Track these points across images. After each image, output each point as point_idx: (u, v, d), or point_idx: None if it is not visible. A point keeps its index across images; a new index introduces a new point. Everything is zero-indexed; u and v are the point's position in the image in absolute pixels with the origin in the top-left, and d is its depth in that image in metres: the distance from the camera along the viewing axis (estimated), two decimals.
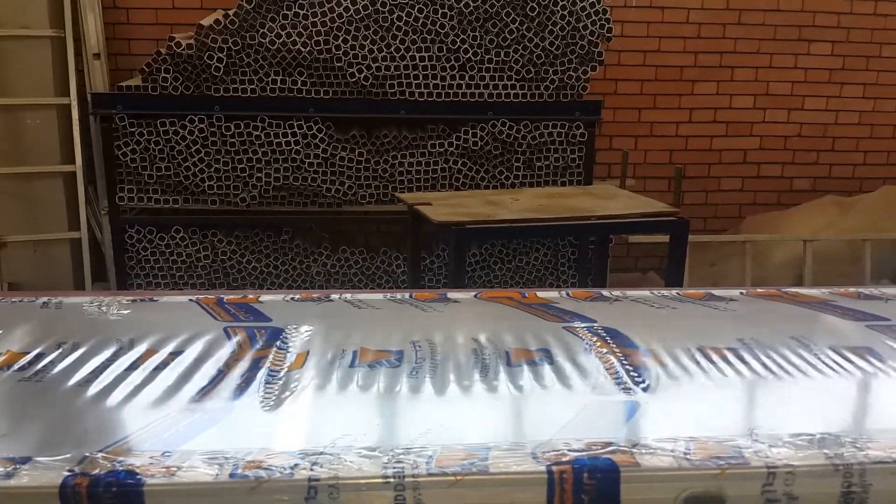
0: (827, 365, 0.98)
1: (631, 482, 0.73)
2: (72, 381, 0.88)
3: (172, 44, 3.43)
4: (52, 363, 0.93)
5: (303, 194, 4.00)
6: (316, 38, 3.53)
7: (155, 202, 3.89)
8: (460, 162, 4.13)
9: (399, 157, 4.07)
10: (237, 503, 0.69)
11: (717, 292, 1.24)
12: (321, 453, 0.74)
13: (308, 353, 0.98)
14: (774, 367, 0.98)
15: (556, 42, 3.71)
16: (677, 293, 1.23)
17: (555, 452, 0.75)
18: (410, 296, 1.19)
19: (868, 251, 4.28)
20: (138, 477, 0.68)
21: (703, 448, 0.77)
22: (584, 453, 0.75)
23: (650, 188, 4.78)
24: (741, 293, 1.25)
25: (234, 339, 1.01)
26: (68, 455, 0.71)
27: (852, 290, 1.26)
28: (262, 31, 3.51)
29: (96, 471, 0.69)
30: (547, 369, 0.96)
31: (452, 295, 1.19)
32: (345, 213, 4.13)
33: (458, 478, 0.71)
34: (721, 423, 0.84)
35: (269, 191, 3.96)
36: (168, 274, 4.02)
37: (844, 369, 0.98)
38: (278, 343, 1.00)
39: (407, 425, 0.83)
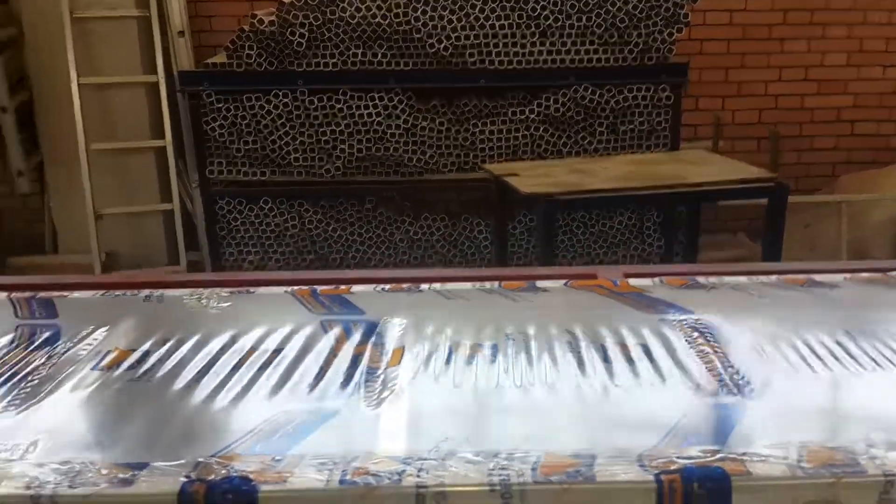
0: None
1: (742, 492, 0.71)
2: (179, 381, 0.91)
3: (255, 21, 3.47)
4: (160, 362, 0.96)
5: (385, 164, 4.02)
6: (395, 11, 3.52)
7: (243, 175, 3.97)
8: (542, 129, 4.08)
9: (479, 125, 4.05)
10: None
11: (818, 278, 1.19)
12: (425, 459, 0.74)
13: (403, 348, 0.98)
14: (886, 364, 0.94)
15: (640, 5, 3.61)
16: (777, 279, 1.19)
17: (662, 460, 0.73)
18: (499, 285, 1.18)
19: None
20: (252, 483, 0.70)
21: (816, 455, 0.74)
22: (692, 461, 0.73)
23: (739, 149, 4.63)
24: (844, 278, 1.20)
25: (331, 334, 1.02)
26: (183, 461, 0.73)
27: None
28: (342, 5, 3.52)
29: (211, 477, 0.71)
30: (645, 366, 0.94)
31: (541, 284, 1.18)
32: (426, 181, 4.14)
33: (565, 486, 0.71)
34: (832, 427, 0.81)
35: (352, 161, 4.00)
36: (258, 243, 4.11)
37: None
38: (374, 339, 1.00)
39: (507, 427, 0.83)
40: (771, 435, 0.80)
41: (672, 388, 0.90)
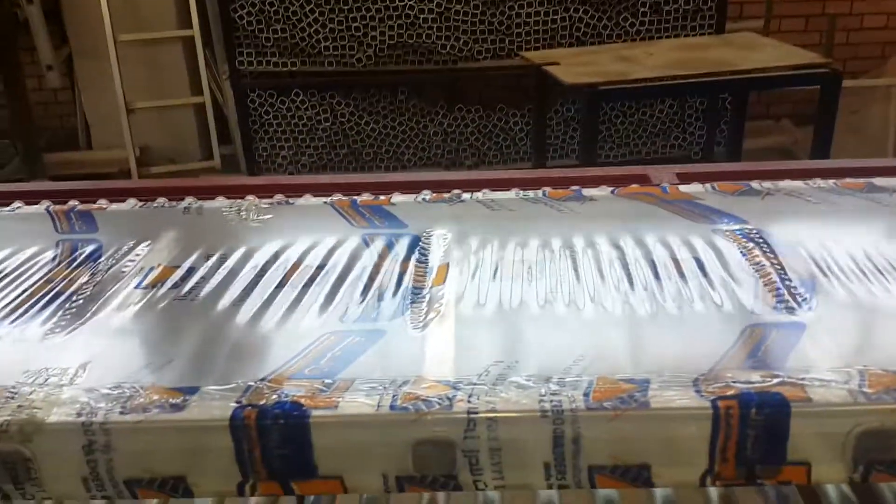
0: None
1: (801, 417, 0.69)
2: (225, 300, 0.90)
3: None
4: (204, 279, 0.95)
5: (417, 52, 3.92)
6: None
7: (273, 65, 3.90)
8: (581, 10, 3.92)
9: (516, 8, 3.90)
10: (397, 434, 0.70)
11: (878, 182, 1.14)
12: (476, 384, 0.73)
13: (448, 265, 0.96)
14: None
15: None
16: (834, 183, 1.14)
17: (719, 385, 0.72)
18: (544, 193, 1.14)
19: None
20: (304, 408, 0.70)
21: (879, 379, 0.72)
22: (751, 386, 0.71)
23: (785, 28, 4.44)
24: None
25: (373, 248, 1.00)
26: (233, 385, 0.73)
27: None
28: None
29: (262, 402, 0.70)
30: (699, 283, 0.91)
31: (588, 192, 1.14)
32: (461, 70, 4.04)
33: (618, 412, 0.70)
34: None
35: (384, 49, 3.90)
36: (290, 138, 4.08)
37: None
38: (416, 255, 0.98)
39: (557, 350, 0.81)
40: (833, 357, 0.77)
41: (727, 305, 0.87)
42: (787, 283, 0.90)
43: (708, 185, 1.15)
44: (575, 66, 3.29)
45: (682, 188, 1.15)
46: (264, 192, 1.19)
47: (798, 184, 1.15)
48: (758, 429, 0.70)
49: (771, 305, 0.87)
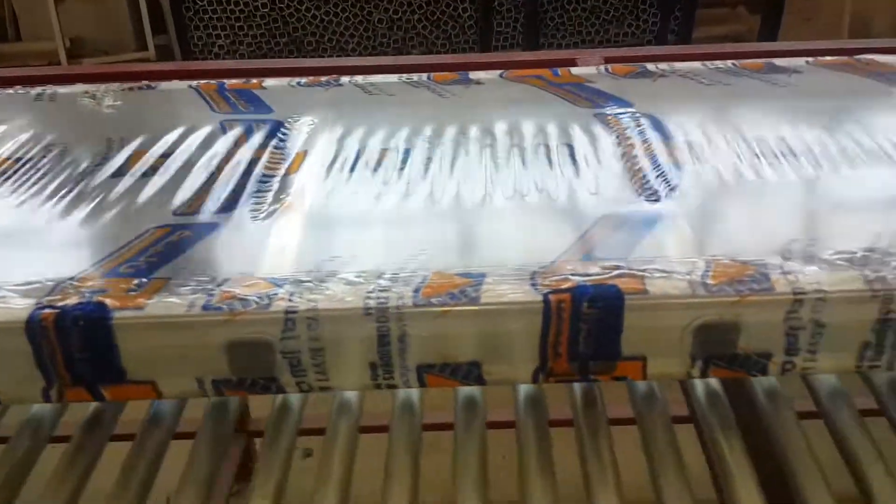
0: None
1: (635, 310, 0.66)
2: (48, 192, 0.84)
3: None
4: (37, 170, 0.88)
5: None
6: None
7: None
8: None
9: None
10: (209, 336, 0.65)
11: (779, 62, 1.08)
12: (303, 281, 0.68)
13: (306, 152, 0.90)
14: (834, 165, 0.85)
15: None
16: (733, 64, 1.08)
17: (556, 278, 0.67)
18: (429, 77, 1.07)
19: None
20: (107, 309, 0.65)
21: (725, 270, 0.68)
22: (588, 278, 0.67)
23: None
24: (807, 62, 1.09)
25: (230, 135, 0.94)
26: (38, 284, 0.68)
27: None
28: None
29: (63, 302, 0.65)
30: (566, 171, 0.86)
31: (475, 75, 1.08)
32: None
33: (446, 309, 0.66)
34: (756, 239, 0.74)
35: None
36: (227, 25, 3.90)
37: None
38: (275, 141, 0.92)
39: (402, 243, 0.76)
40: (686, 247, 0.74)
41: (587, 194, 0.82)
42: (657, 170, 0.85)
43: (602, 68, 1.09)
44: None
45: (575, 71, 1.09)
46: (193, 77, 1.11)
47: (695, 65, 1.09)
48: (590, 323, 0.66)
49: (634, 194, 0.82)
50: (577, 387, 0.88)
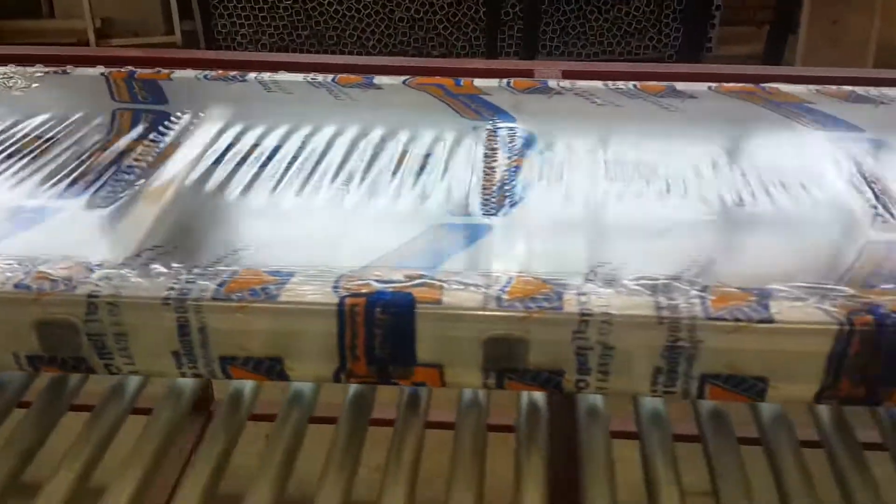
0: (752, 193, 0.86)
1: (429, 319, 0.68)
2: None
3: None
4: None
5: None
6: None
7: None
8: None
9: None
10: (18, 314, 0.68)
11: (680, 86, 1.08)
12: (117, 267, 0.71)
13: (180, 145, 0.93)
14: (678, 192, 0.86)
15: None
16: (634, 85, 1.09)
17: (359, 283, 0.69)
18: (333, 79, 1.10)
19: None
20: None
21: (523, 286, 0.69)
22: (388, 286, 0.69)
23: None
24: (709, 87, 1.09)
25: (117, 123, 0.97)
26: None
27: (847, 88, 1.08)
28: None
29: None
30: (420, 180, 0.88)
31: (379, 80, 1.10)
32: None
33: (243, 304, 0.68)
34: (571, 260, 0.75)
35: None
36: (251, 15, 3.96)
37: (768, 196, 0.85)
38: (154, 134, 0.95)
39: (227, 239, 0.79)
40: (503, 262, 0.75)
41: (429, 203, 0.84)
42: (508, 185, 0.87)
43: (503, 81, 1.10)
44: None
45: (477, 82, 1.11)
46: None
47: (598, 84, 1.10)
48: (384, 328, 0.68)
49: (475, 206, 0.83)
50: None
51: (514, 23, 4.00)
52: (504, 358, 0.69)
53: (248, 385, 0.96)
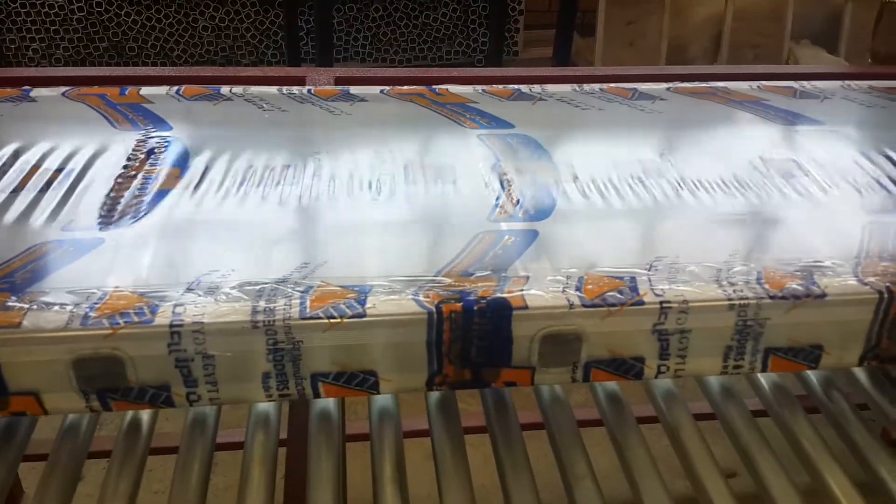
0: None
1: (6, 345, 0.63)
2: None
3: None
4: None
5: None
6: None
7: None
8: None
9: None
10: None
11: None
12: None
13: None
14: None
15: None
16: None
17: None
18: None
19: (790, 9, 4.00)
20: None
21: (116, 302, 0.66)
22: None
23: None
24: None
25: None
26: None
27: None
28: None
29: None
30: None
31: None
32: None
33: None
34: (180, 269, 0.73)
35: None
36: (42, 27, 3.76)
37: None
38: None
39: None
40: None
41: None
42: (139, 195, 0.83)
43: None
44: None
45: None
46: None
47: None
48: None
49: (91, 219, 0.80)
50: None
51: (339, 31, 3.97)
52: (101, 378, 0.66)
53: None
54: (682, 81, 1.16)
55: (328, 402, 0.87)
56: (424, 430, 0.89)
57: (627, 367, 0.71)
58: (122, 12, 3.84)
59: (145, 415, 0.87)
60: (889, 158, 0.97)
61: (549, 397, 0.92)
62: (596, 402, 0.93)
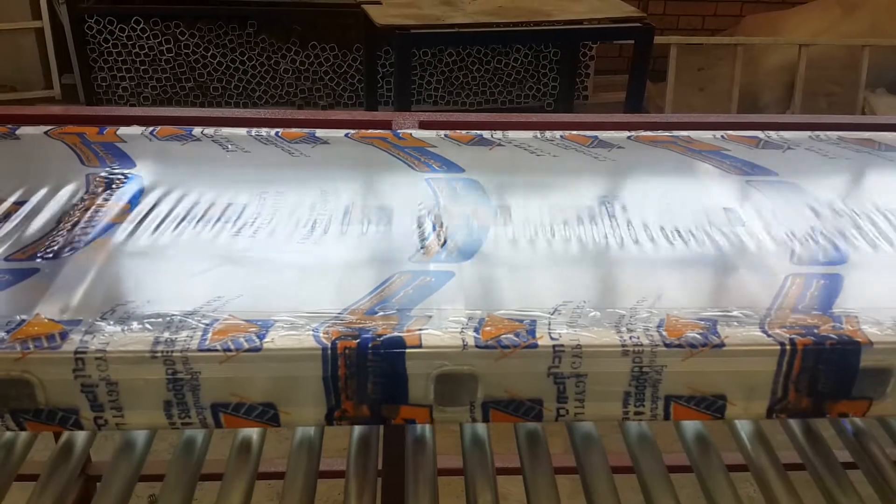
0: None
1: None
2: None
3: None
4: None
5: None
6: None
7: None
8: None
9: None
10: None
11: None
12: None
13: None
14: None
15: None
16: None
17: None
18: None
19: (866, 57, 3.87)
20: None
21: (33, 329, 0.70)
22: None
23: None
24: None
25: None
26: None
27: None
28: None
29: None
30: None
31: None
32: (318, 4, 3.94)
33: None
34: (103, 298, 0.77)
35: None
36: (132, 69, 3.99)
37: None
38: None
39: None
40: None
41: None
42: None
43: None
44: (395, 6, 3.23)
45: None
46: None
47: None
48: None
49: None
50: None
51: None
52: (14, 399, 0.69)
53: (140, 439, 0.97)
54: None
55: (424, 429, 0.92)
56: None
57: (526, 409, 0.72)
58: (209, 54, 4.02)
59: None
60: (835, 210, 0.95)
61: (637, 437, 0.96)
62: (685, 448, 0.97)
